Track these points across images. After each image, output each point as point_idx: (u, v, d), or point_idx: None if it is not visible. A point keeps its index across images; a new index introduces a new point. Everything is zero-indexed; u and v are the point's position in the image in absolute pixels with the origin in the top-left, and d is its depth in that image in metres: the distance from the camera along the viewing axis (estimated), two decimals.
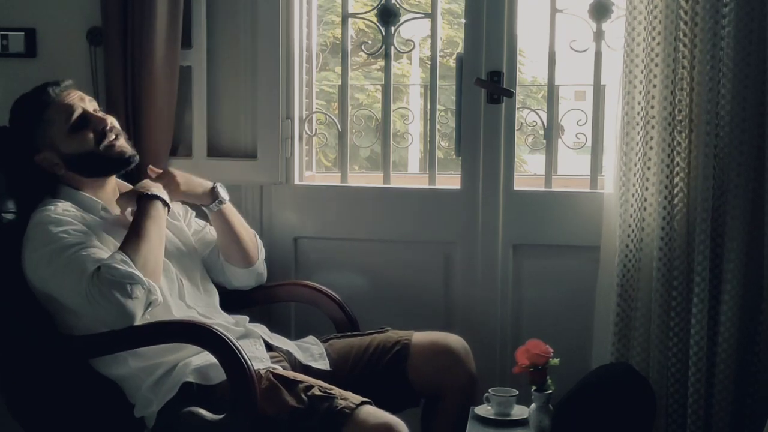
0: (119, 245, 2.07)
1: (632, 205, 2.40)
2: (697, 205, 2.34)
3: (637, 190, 2.40)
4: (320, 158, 4.56)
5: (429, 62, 3.00)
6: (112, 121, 2.25)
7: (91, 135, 2.20)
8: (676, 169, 2.36)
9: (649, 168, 2.38)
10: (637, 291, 2.42)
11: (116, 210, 2.24)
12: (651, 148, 2.37)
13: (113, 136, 2.22)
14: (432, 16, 2.75)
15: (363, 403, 1.92)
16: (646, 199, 2.40)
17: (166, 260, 2.23)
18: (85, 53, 2.70)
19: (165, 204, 2.17)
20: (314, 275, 2.68)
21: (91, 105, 2.25)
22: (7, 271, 2.11)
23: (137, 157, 2.28)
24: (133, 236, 2.06)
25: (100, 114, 2.25)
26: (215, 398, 2.01)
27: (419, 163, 6.25)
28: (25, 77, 2.64)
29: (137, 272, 1.96)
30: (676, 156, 2.35)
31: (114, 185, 2.29)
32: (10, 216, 2.19)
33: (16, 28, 2.74)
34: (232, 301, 2.44)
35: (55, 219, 2.09)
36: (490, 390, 2.20)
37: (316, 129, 2.92)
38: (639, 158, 2.39)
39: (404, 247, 2.76)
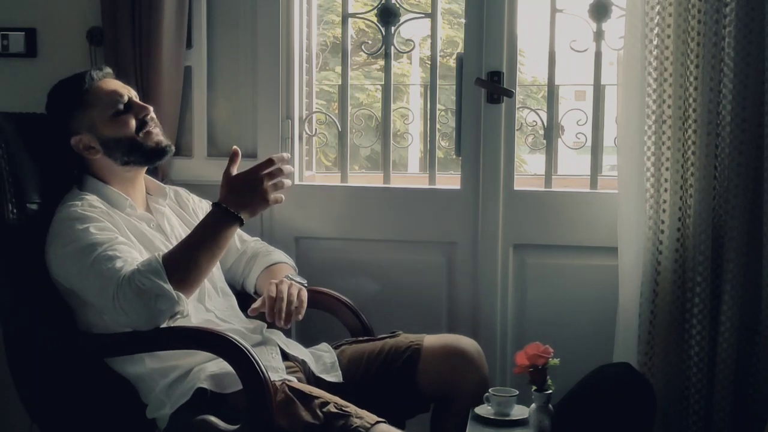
0: (145, 245, 2.07)
1: (651, 206, 2.39)
2: (698, 205, 2.34)
3: (655, 191, 2.38)
4: (320, 158, 4.56)
5: (429, 62, 3.00)
6: (151, 110, 2.23)
7: (133, 121, 2.17)
8: (691, 169, 2.35)
9: (667, 168, 2.37)
10: (657, 294, 2.40)
11: (141, 207, 2.23)
12: (668, 148, 2.36)
13: (152, 125, 2.20)
14: (432, 16, 2.75)
15: (378, 422, 1.90)
16: (665, 201, 2.38)
17: None
18: (85, 53, 2.69)
19: (241, 223, 2.05)
20: (315, 275, 2.67)
21: (132, 92, 2.23)
22: (29, 264, 2.10)
23: (173, 148, 2.25)
24: (185, 247, 2.00)
25: (142, 102, 2.23)
26: (229, 407, 1.98)
27: (419, 163, 6.24)
28: (25, 77, 2.66)
29: (168, 286, 1.91)
30: (690, 155, 2.35)
31: (142, 182, 2.27)
32: (34, 207, 2.17)
33: (16, 28, 2.74)
34: (246, 304, 2.37)
35: (82, 215, 2.06)
36: (490, 390, 2.19)
37: (316, 129, 2.92)
38: (655, 157, 2.37)
39: (404, 247, 2.76)
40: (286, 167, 2.05)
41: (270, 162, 2.03)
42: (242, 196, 2.02)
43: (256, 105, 2.75)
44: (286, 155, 2.07)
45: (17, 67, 2.74)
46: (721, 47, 2.29)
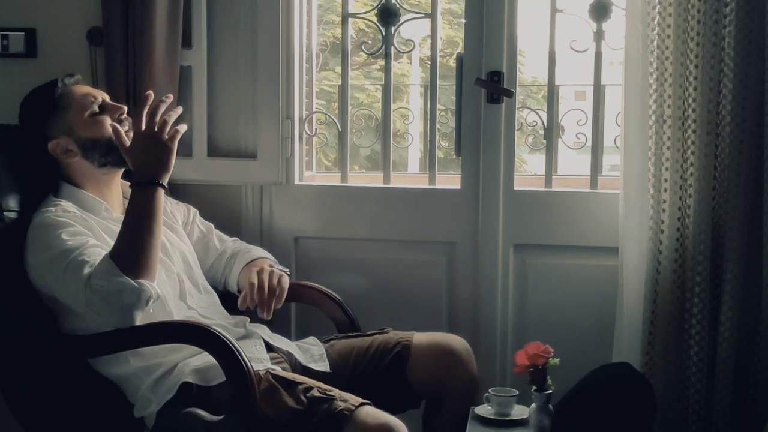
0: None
1: (652, 206, 2.38)
2: (698, 205, 2.34)
3: (655, 191, 2.38)
4: (320, 158, 4.56)
5: (429, 62, 3.00)
6: (126, 110, 2.24)
7: (109, 122, 2.18)
8: (691, 169, 2.35)
9: (667, 168, 2.37)
10: (658, 293, 2.40)
11: (118, 211, 2.24)
12: (668, 148, 2.36)
13: (127, 126, 2.20)
14: (432, 16, 2.75)
15: (362, 404, 1.92)
16: (665, 201, 2.38)
17: (167, 260, 2.22)
18: (85, 53, 2.69)
19: (164, 188, 2.07)
20: (314, 275, 2.68)
21: (105, 95, 2.25)
22: (9, 269, 2.11)
23: None
24: (124, 236, 2.01)
25: (116, 104, 2.25)
26: (214, 399, 2.00)
27: (419, 163, 6.24)
28: (25, 77, 2.64)
29: (124, 279, 1.92)
30: (690, 155, 2.35)
31: (118, 185, 2.28)
32: (12, 215, 2.18)
33: (16, 28, 2.74)
34: (231, 301, 2.41)
35: (55, 221, 2.08)
36: (490, 390, 2.20)
37: (316, 129, 2.92)
38: (656, 158, 2.37)
39: (404, 247, 2.76)
40: (161, 103, 2.05)
41: (140, 110, 2.04)
42: (144, 160, 2.05)
43: (256, 105, 2.75)
44: (149, 93, 2.08)
45: (17, 67, 2.74)
46: (721, 47, 2.29)
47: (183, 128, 2.07)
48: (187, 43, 2.70)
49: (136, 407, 2.10)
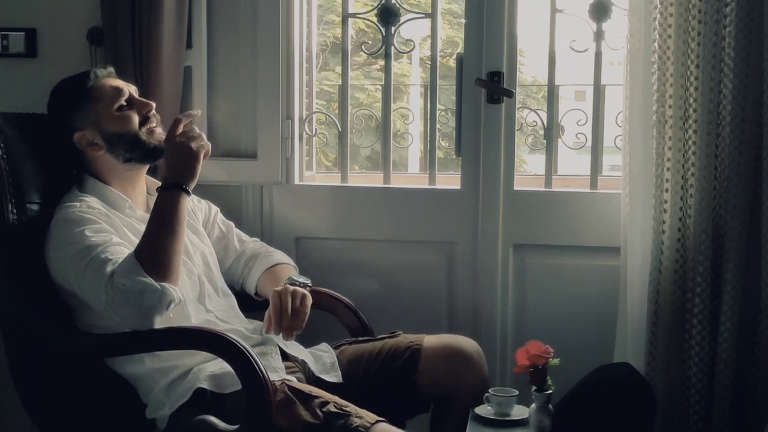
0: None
1: (654, 207, 2.38)
2: (698, 205, 2.34)
3: (658, 191, 2.38)
4: (320, 158, 4.55)
5: (429, 62, 2.99)
6: (154, 106, 2.24)
7: (136, 117, 2.19)
8: (692, 169, 2.35)
9: (668, 169, 2.36)
10: (660, 293, 2.40)
11: (142, 209, 2.24)
12: (669, 148, 2.35)
13: (154, 123, 2.21)
14: (432, 16, 2.75)
15: (378, 421, 1.90)
16: (666, 201, 2.37)
17: (188, 261, 2.20)
18: (86, 53, 2.69)
19: (188, 193, 2.09)
20: (315, 275, 2.66)
21: (133, 89, 2.25)
22: (28, 264, 2.10)
23: None
24: (148, 237, 2.00)
25: (143, 99, 2.25)
26: (228, 407, 1.98)
27: (419, 163, 6.23)
28: (25, 77, 2.66)
29: (147, 280, 1.91)
30: (691, 155, 2.34)
31: (143, 182, 2.27)
32: (35, 206, 2.17)
33: (16, 28, 2.74)
34: (245, 304, 2.39)
35: (79, 217, 2.06)
36: (490, 390, 2.20)
37: (316, 129, 2.92)
38: (657, 157, 2.37)
39: (404, 247, 2.76)
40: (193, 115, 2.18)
41: (178, 121, 2.12)
42: (173, 166, 2.08)
43: (256, 105, 2.75)
44: (194, 112, 2.20)
45: (17, 67, 2.74)
46: (721, 47, 2.29)
47: (208, 145, 2.15)
48: (187, 43, 2.70)
49: (148, 408, 2.09)
